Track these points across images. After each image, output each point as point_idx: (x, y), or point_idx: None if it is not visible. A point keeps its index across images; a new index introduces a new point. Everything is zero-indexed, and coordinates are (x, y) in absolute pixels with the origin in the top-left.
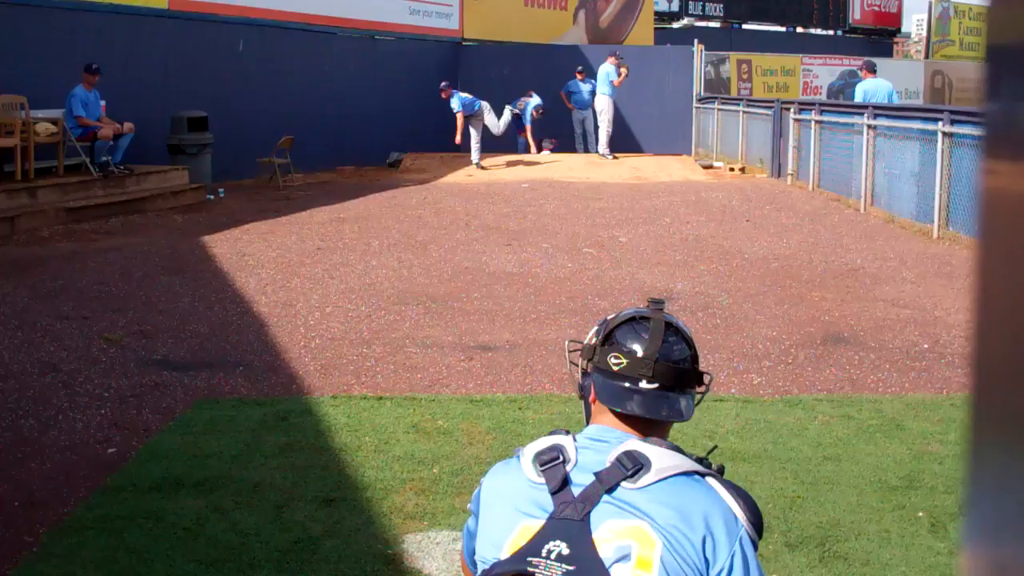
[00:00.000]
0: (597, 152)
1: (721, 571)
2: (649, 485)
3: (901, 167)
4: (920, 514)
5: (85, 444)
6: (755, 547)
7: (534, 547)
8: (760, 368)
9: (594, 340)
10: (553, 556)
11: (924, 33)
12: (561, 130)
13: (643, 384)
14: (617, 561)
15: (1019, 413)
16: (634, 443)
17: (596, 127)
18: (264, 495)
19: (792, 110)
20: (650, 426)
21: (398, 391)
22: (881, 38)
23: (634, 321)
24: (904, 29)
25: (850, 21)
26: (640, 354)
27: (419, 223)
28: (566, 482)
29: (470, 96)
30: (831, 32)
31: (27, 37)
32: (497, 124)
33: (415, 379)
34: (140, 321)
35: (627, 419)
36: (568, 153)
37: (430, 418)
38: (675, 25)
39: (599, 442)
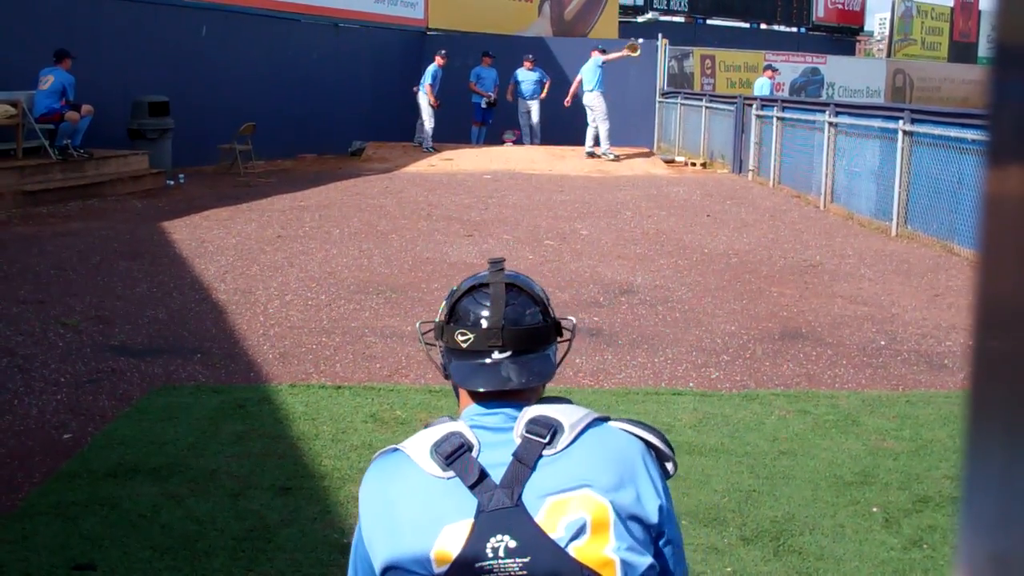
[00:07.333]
0: (598, 152)
1: (660, 501)
2: (569, 446)
3: (861, 165)
4: (874, 509)
5: (40, 429)
6: (670, 461)
7: (475, 550)
8: (718, 362)
9: (441, 318)
10: (501, 553)
11: (886, 32)
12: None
13: (496, 355)
14: (573, 539)
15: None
16: (531, 409)
17: (540, 119)
18: (220, 483)
19: (754, 106)
20: (521, 393)
21: (357, 380)
22: (844, 36)
23: (474, 291)
24: (867, 27)
25: (813, 18)
26: (485, 325)
27: (380, 212)
28: (483, 472)
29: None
30: (794, 29)
31: None
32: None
33: (374, 368)
34: (97, 306)
35: (497, 392)
36: (527, 145)
37: (388, 408)
38: (639, 19)
39: (490, 415)
